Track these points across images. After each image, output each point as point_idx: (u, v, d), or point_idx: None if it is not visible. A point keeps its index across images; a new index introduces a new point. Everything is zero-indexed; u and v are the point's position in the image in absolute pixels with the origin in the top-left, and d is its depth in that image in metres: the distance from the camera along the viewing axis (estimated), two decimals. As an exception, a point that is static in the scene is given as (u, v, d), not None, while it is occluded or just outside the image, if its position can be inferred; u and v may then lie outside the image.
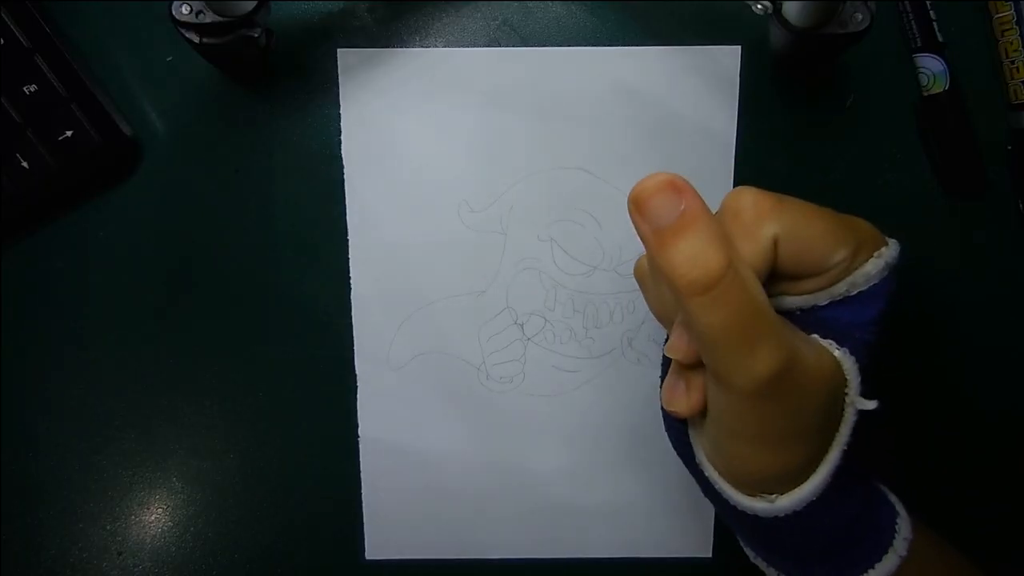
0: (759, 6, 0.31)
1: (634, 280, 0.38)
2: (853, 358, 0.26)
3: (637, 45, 0.37)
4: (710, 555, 0.41)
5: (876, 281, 0.27)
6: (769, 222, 0.26)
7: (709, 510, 0.40)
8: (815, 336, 0.26)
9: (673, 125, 0.37)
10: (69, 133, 0.35)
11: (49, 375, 0.38)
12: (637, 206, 0.24)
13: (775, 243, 0.26)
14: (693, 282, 0.23)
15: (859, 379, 0.26)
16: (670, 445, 0.40)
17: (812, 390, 0.25)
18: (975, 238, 0.38)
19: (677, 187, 0.23)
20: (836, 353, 0.26)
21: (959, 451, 0.40)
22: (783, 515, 0.27)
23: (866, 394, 0.26)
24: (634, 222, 0.24)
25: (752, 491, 0.27)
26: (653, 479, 0.40)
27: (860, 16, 0.31)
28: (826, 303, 0.28)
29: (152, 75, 0.37)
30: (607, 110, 0.37)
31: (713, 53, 0.37)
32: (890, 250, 0.28)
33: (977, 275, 0.39)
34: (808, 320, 0.27)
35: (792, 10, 0.30)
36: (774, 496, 0.27)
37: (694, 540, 0.40)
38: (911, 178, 0.38)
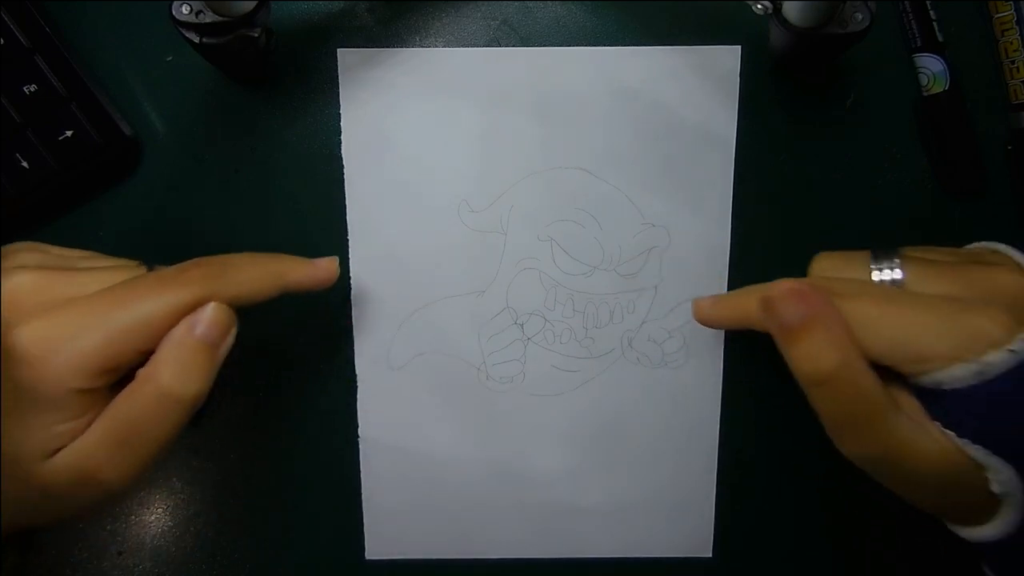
0: (759, 6, 0.31)
1: (634, 280, 0.38)
2: (977, 445, 0.26)
3: (637, 45, 0.37)
4: (710, 555, 0.41)
5: (971, 382, 0.26)
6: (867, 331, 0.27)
7: (709, 510, 0.40)
8: (937, 425, 0.27)
9: (673, 125, 0.37)
10: (69, 133, 0.35)
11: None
12: (766, 305, 0.28)
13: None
14: (808, 375, 0.27)
15: (995, 461, 0.26)
16: (670, 445, 0.40)
17: (925, 474, 0.27)
18: (975, 238, 0.38)
19: (802, 295, 0.27)
20: (957, 442, 0.27)
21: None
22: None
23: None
24: (764, 319, 0.28)
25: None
26: (653, 479, 0.40)
27: (860, 16, 0.31)
28: (950, 388, 0.27)
29: (152, 75, 0.37)
30: (607, 110, 0.37)
31: (713, 53, 0.37)
32: (997, 356, 0.26)
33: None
34: (937, 401, 0.28)
35: (792, 10, 0.30)
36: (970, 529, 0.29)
37: (694, 540, 0.40)
38: (911, 178, 0.38)
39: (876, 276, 0.30)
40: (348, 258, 0.38)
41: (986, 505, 0.27)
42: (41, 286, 0.28)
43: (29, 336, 0.26)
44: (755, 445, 0.40)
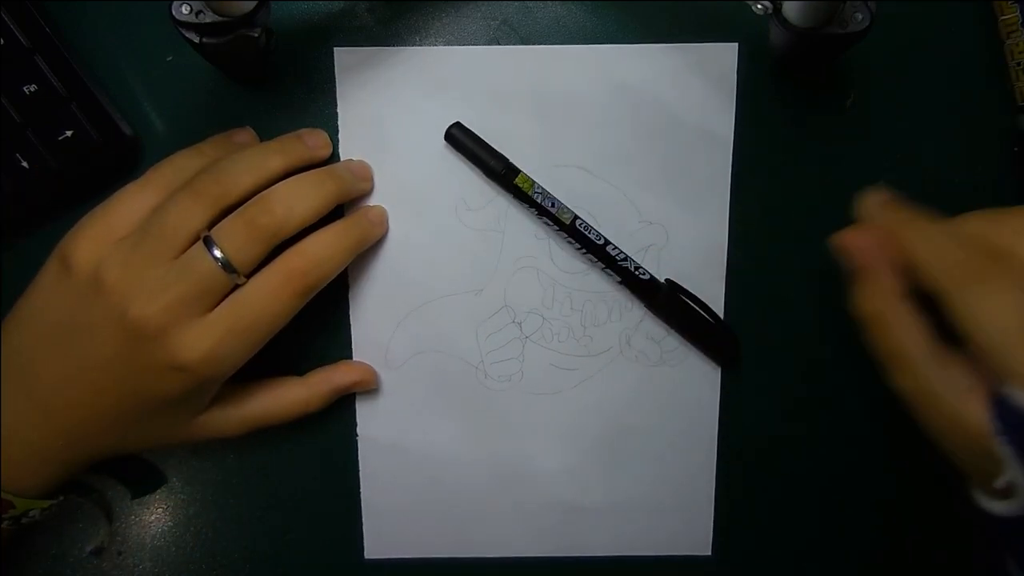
0: (759, 6, 0.31)
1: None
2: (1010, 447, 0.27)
3: (635, 44, 0.37)
4: (710, 553, 0.41)
5: None
6: None
7: (709, 508, 0.40)
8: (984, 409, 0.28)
9: (671, 123, 0.37)
10: (69, 133, 0.35)
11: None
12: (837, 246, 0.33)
13: None
14: (854, 313, 0.32)
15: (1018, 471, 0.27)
16: (669, 443, 0.39)
17: (946, 432, 0.29)
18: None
19: (855, 247, 0.33)
20: (992, 435, 0.27)
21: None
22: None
23: None
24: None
25: None
26: (652, 477, 0.40)
27: (860, 16, 0.31)
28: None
29: (152, 75, 0.37)
30: (605, 108, 0.37)
31: (710, 51, 0.37)
32: None
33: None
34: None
35: (792, 10, 0.30)
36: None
37: (693, 538, 0.40)
38: (911, 178, 0.38)
39: None
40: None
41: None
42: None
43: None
44: (754, 443, 0.40)
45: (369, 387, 0.38)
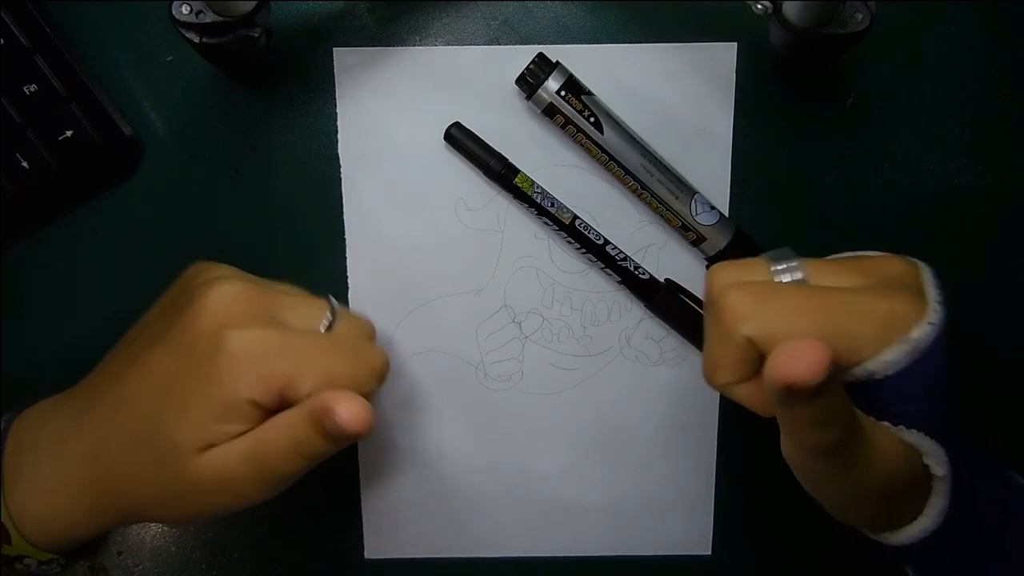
0: (759, 6, 0.31)
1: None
2: (913, 430, 0.28)
3: (635, 43, 0.37)
4: (709, 552, 0.41)
5: (905, 364, 0.27)
6: (744, 323, 0.27)
7: (708, 507, 0.40)
8: (872, 419, 0.28)
9: (670, 122, 0.37)
10: (69, 133, 0.35)
11: (49, 375, 0.38)
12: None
13: (752, 342, 0.27)
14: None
15: (932, 444, 0.28)
16: (669, 443, 0.39)
17: (879, 467, 0.28)
18: (975, 235, 0.38)
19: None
20: (895, 431, 0.28)
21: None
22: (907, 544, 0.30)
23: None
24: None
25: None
26: (652, 477, 0.40)
27: (860, 16, 0.31)
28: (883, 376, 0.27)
29: (152, 75, 0.37)
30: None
31: (709, 50, 0.37)
32: (920, 330, 0.27)
33: (977, 277, 0.39)
34: (870, 394, 0.28)
35: (792, 10, 0.30)
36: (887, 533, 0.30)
37: (693, 537, 0.40)
38: (910, 178, 0.38)
39: (779, 278, 0.29)
40: (345, 257, 0.38)
41: (916, 500, 0.29)
42: (249, 297, 0.30)
43: (237, 341, 0.28)
44: (754, 442, 0.40)
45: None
